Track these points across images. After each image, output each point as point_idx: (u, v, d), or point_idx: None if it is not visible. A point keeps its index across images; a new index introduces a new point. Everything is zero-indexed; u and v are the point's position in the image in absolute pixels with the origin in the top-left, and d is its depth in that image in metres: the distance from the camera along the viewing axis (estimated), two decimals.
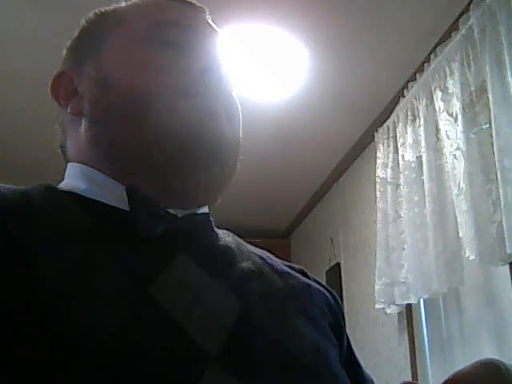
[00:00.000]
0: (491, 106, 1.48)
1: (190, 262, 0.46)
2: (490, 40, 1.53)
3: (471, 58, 1.63)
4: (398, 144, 2.09)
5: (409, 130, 2.01)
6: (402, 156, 2.03)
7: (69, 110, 0.53)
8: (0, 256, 0.38)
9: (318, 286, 0.58)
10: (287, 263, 0.59)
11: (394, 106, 2.17)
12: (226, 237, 0.55)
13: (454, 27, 1.77)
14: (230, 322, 0.43)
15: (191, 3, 0.56)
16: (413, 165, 1.94)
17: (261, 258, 0.55)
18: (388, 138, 2.20)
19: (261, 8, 1.70)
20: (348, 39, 1.92)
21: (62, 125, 0.57)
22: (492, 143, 1.47)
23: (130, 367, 0.36)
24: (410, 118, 2.02)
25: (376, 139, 2.30)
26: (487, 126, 1.53)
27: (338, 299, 0.59)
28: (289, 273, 0.55)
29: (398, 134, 2.10)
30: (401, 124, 2.08)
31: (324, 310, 0.54)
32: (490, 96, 1.49)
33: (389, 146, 2.18)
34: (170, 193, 0.49)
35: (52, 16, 1.77)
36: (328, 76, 2.09)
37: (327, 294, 0.58)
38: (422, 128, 1.89)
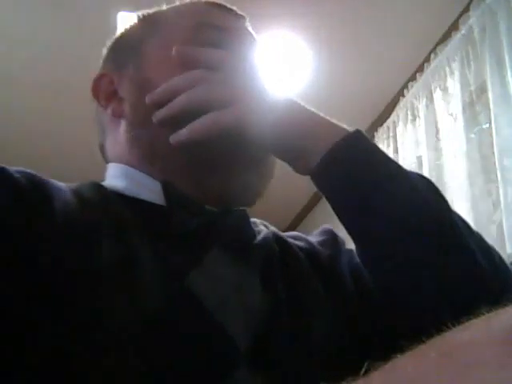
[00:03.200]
0: (491, 106, 1.48)
1: (224, 257, 0.46)
2: (490, 40, 1.53)
3: (471, 57, 1.63)
4: (398, 144, 2.09)
5: (409, 130, 2.01)
6: (402, 156, 2.03)
7: (109, 111, 0.54)
8: (54, 244, 0.39)
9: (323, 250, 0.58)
10: (319, 240, 0.59)
11: (394, 106, 2.17)
12: (263, 231, 0.55)
13: (454, 27, 1.78)
14: (260, 318, 0.44)
15: (232, 10, 0.57)
16: (413, 165, 1.94)
17: (300, 248, 0.55)
18: (388, 138, 2.20)
19: (263, 8, 1.70)
20: (348, 39, 1.92)
21: (101, 125, 0.58)
22: (492, 143, 1.47)
23: (168, 355, 0.37)
24: (410, 117, 2.02)
25: (376, 139, 2.30)
26: (487, 125, 1.53)
27: (314, 244, 0.59)
28: (316, 249, 0.56)
29: (398, 134, 2.10)
30: (401, 124, 2.08)
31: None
32: (490, 96, 1.49)
33: (389, 146, 2.18)
34: (207, 191, 0.50)
35: (52, 16, 1.77)
36: (328, 76, 2.09)
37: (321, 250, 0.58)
38: (421, 128, 1.89)
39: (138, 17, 0.58)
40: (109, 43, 0.60)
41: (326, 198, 0.49)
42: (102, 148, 0.58)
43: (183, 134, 0.46)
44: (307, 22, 1.83)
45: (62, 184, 0.46)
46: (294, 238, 0.59)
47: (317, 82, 2.12)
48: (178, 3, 0.58)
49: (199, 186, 0.50)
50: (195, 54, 0.51)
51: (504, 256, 1.58)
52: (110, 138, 0.56)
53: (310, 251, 0.56)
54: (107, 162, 0.57)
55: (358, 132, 0.48)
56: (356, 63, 2.04)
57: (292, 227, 3.71)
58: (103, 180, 0.54)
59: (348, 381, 0.21)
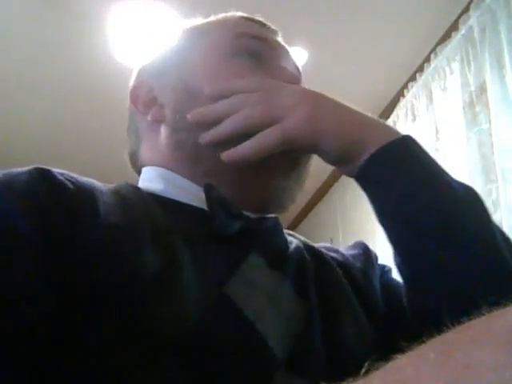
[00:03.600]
0: (491, 106, 1.48)
1: (262, 263, 0.47)
2: (490, 40, 1.53)
3: (471, 57, 1.63)
4: None
5: (409, 130, 2.01)
6: None
7: (149, 117, 0.55)
8: (100, 247, 0.38)
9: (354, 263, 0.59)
10: (351, 253, 0.60)
11: (394, 106, 2.17)
12: (293, 241, 0.56)
13: (454, 27, 1.78)
14: (297, 325, 0.44)
15: (266, 24, 0.60)
16: None
17: (333, 259, 0.56)
18: None
19: (259, 7, 1.70)
20: (348, 39, 1.92)
21: (136, 132, 0.59)
22: (492, 143, 1.47)
23: (209, 366, 0.37)
24: (410, 117, 2.02)
25: None
26: (487, 125, 1.53)
27: (348, 256, 0.60)
28: (349, 261, 0.57)
29: None
30: (401, 124, 2.08)
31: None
32: (490, 96, 1.49)
33: None
34: (247, 194, 0.51)
35: (52, 16, 1.77)
36: (328, 76, 2.09)
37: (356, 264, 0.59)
38: (421, 128, 1.89)
39: (180, 28, 0.60)
40: (146, 53, 0.61)
41: (369, 200, 0.49)
42: (133, 155, 0.59)
43: (235, 155, 0.48)
44: (304, 23, 1.83)
45: (100, 184, 0.46)
46: (327, 249, 0.60)
47: (315, 83, 2.11)
48: (217, 16, 0.60)
49: (240, 190, 0.51)
50: (229, 87, 0.52)
51: None
52: (146, 143, 0.57)
53: (343, 262, 0.57)
54: (138, 168, 0.58)
55: (406, 136, 0.49)
56: (356, 63, 2.04)
57: (292, 228, 3.71)
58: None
59: (348, 381, 0.21)
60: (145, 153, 0.57)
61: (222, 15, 0.60)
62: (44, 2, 1.72)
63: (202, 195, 0.49)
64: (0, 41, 1.88)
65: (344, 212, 2.81)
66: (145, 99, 0.56)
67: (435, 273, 0.44)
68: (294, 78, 0.55)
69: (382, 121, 0.52)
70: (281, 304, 0.45)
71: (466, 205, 0.46)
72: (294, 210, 3.42)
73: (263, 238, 0.50)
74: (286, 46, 0.61)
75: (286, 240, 0.54)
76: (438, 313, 0.43)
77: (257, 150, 0.48)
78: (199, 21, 0.61)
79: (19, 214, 0.36)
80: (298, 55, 1.96)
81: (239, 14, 0.60)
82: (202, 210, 0.48)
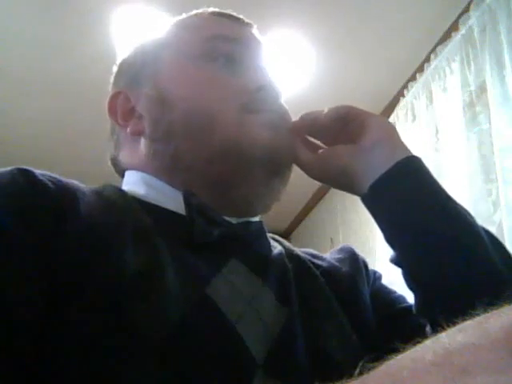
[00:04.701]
0: (491, 106, 1.47)
1: (243, 267, 0.47)
2: (490, 40, 1.53)
3: (471, 57, 1.63)
4: None
5: (409, 130, 2.01)
6: None
7: (129, 130, 0.55)
8: (82, 247, 0.38)
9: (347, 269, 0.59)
10: (337, 257, 0.61)
11: (394, 106, 2.17)
12: (276, 244, 0.56)
13: (454, 27, 1.77)
14: (276, 329, 0.44)
15: (239, 18, 0.58)
16: None
17: (317, 266, 0.56)
18: None
19: (266, 8, 1.70)
20: (348, 39, 1.92)
21: (116, 140, 0.58)
22: (492, 143, 1.47)
23: (189, 365, 0.37)
24: (410, 117, 2.01)
25: None
26: (487, 125, 1.53)
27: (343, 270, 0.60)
28: (334, 267, 0.58)
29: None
30: (401, 124, 2.08)
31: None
32: (490, 96, 1.48)
33: None
34: (228, 202, 0.51)
35: (52, 15, 1.77)
36: (328, 76, 2.09)
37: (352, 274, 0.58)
38: (421, 128, 1.89)
39: (149, 32, 0.59)
40: (119, 59, 0.60)
41: (375, 220, 0.50)
42: (114, 160, 0.59)
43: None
44: (308, 22, 1.83)
45: (83, 186, 0.46)
46: (312, 256, 0.60)
47: (317, 82, 2.11)
48: (188, 15, 0.59)
49: (221, 197, 0.50)
50: None
51: None
52: (126, 151, 0.57)
53: (327, 270, 0.57)
54: (120, 172, 0.58)
55: (412, 157, 0.50)
56: (356, 63, 2.04)
57: (292, 228, 3.71)
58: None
59: (342, 383, 0.21)
60: (125, 158, 0.57)
61: (192, 13, 0.58)
62: (47, 2, 1.72)
63: (182, 200, 0.49)
64: (3, 41, 1.88)
65: (344, 212, 2.81)
66: (123, 110, 0.56)
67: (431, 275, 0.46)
68: (269, 81, 0.55)
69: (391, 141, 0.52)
70: (260, 308, 0.44)
71: (453, 209, 0.48)
72: (293, 210, 3.42)
73: (245, 243, 0.50)
74: (259, 38, 0.59)
75: (269, 245, 0.54)
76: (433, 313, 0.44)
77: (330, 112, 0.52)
78: (170, 21, 0.59)
79: (4, 213, 0.36)
80: (304, 55, 1.96)
81: (210, 9, 0.58)
82: (182, 216, 0.48)
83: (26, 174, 0.40)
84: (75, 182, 0.46)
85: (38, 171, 0.42)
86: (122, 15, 1.77)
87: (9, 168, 0.41)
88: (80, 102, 2.18)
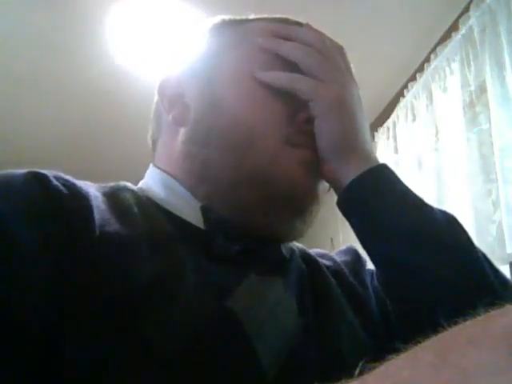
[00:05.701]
0: (491, 106, 1.47)
1: (262, 281, 0.46)
2: (490, 40, 1.53)
3: (471, 58, 1.63)
4: (398, 144, 2.09)
5: (409, 130, 2.01)
6: (402, 156, 2.03)
7: (171, 117, 0.52)
8: (95, 261, 0.37)
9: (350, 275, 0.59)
10: (343, 259, 0.60)
11: (394, 106, 2.17)
12: (293, 251, 0.55)
13: (454, 27, 1.77)
14: (294, 338, 0.43)
15: (300, 23, 0.57)
16: (413, 165, 1.94)
17: (327, 267, 0.56)
18: (388, 138, 2.20)
19: (258, 6, 1.70)
20: (348, 39, 1.92)
21: (158, 123, 0.56)
22: (492, 143, 1.47)
23: (202, 376, 0.36)
24: (410, 118, 2.01)
25: (376, 139, 2.30)
26: (487, 125, 1.53)
27: (342, 266, 0.60)
28: (341, 268, 0.57)
29: (398, 134, 2.10)
30: (401, 124, 2.08)
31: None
32: (490, 96, 1.48)
33: (389, 147, 2.17)
34: (249, 224, 0.49)
35: (52, 19, 1.77)
36: None
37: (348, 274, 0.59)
38: (421, 128, 1.89)
39: (224, 21, 0.56)
40: (183, 44, 0.58)
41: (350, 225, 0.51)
42: (153, 143, 0.57)
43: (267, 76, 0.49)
44: (304, 21, 1.82)
45: (95, 187, 0.45)
46: (320, 255, 0.59)
47: None
48: (246, 20, 0.56)
49: (242, 219, 0.48)
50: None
51: (504, 256, 1.56)
52: (164, 139, 0.55)
53: (336, 271, 0.57)
54: (153, 158, 0.56)
55: (382, 165, 0.49)
56: (356, 63, 2.04)
57: None
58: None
59: (342, 383, 0.21)
60: (161, 148, 0.55)
61: (250, 18, 0.56)
62: (44, 5, 1.72)
63: (201, 214, 0.48)
64: (3, 41, 1.88)
65: None
66: (171, 93, 0.53)
67: (407, 278, 0.45)
68: None
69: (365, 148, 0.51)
70: (281, 315, 0.44)
71: (440, 216, 0.47)
72: None
73: (265, 258, 0.49)
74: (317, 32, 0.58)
75: (287, 250, 0.53)
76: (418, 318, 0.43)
77: (284, 81, 0.49)
78: (245, 17, 0.56)
79: (18, 219, 0.35)
80: None
81: (264, 17, 0.56)
82: (201, 230, 0.47)
83: (40, 180, 0.39)
84: (87, 184, 0.44)
85: (51, 174, 0.41)
86: (122, 15, 1.77)
87: (23, 171, 0.39)
88: (80, 102, 2.18)
